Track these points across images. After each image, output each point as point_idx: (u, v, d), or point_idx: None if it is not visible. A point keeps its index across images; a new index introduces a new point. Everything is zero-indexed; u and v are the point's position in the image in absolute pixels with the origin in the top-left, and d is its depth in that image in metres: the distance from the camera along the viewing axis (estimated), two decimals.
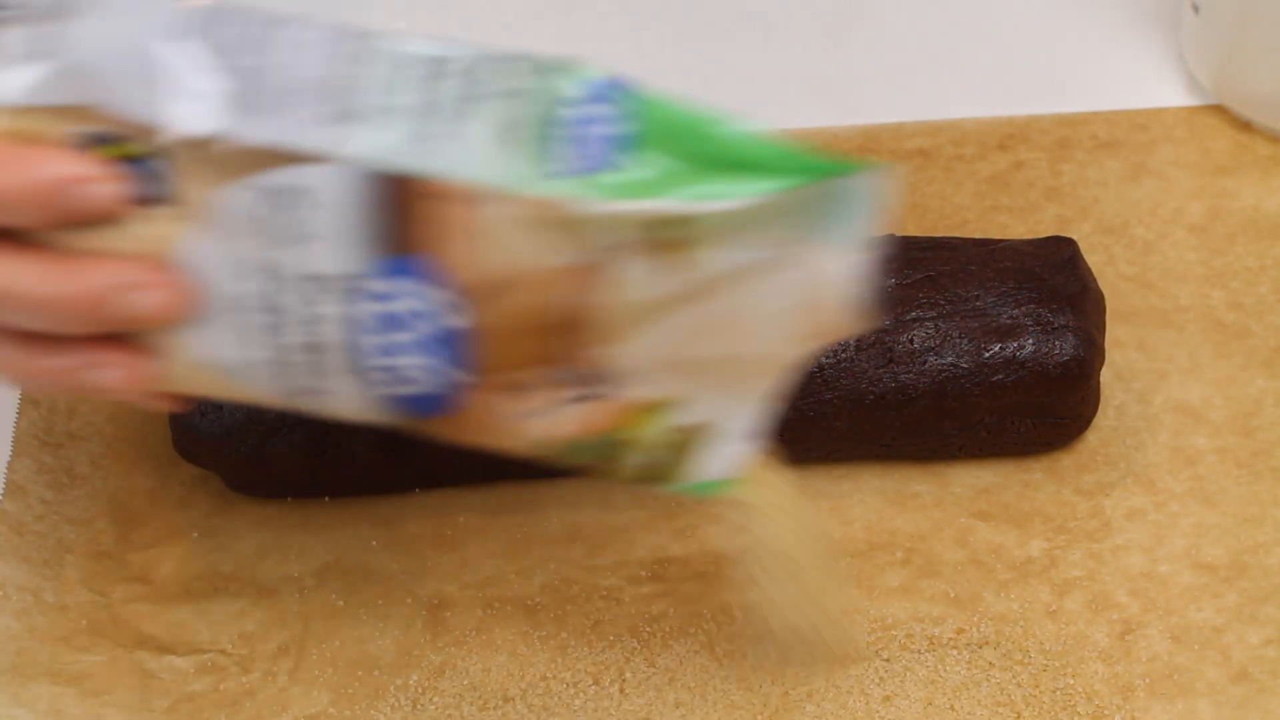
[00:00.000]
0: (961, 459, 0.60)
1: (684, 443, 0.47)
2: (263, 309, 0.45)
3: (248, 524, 0.60)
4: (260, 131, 0.43)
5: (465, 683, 0.56)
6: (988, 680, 0.55)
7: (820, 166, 0.42)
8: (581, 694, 0.55)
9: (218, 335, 0.46)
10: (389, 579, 0.58)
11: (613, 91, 0.44)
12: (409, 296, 0.44)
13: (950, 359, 0.58)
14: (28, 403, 0.62)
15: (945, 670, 0.55)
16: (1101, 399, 0.60)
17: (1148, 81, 0.72)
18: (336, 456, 0.58)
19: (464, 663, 0.56)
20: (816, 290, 0.44)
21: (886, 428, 0.58)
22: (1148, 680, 0.55)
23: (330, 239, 0.44)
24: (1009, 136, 0.69)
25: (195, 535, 0.59)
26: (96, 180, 0.44)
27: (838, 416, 0.58)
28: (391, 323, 0.45)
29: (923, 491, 0.59)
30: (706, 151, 0.43)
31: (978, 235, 0.65)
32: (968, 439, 0.59)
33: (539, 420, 0.46)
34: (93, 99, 0.44)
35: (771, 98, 0.73)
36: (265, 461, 0.58)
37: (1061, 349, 0.57)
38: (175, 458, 0.60)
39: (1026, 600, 0.57)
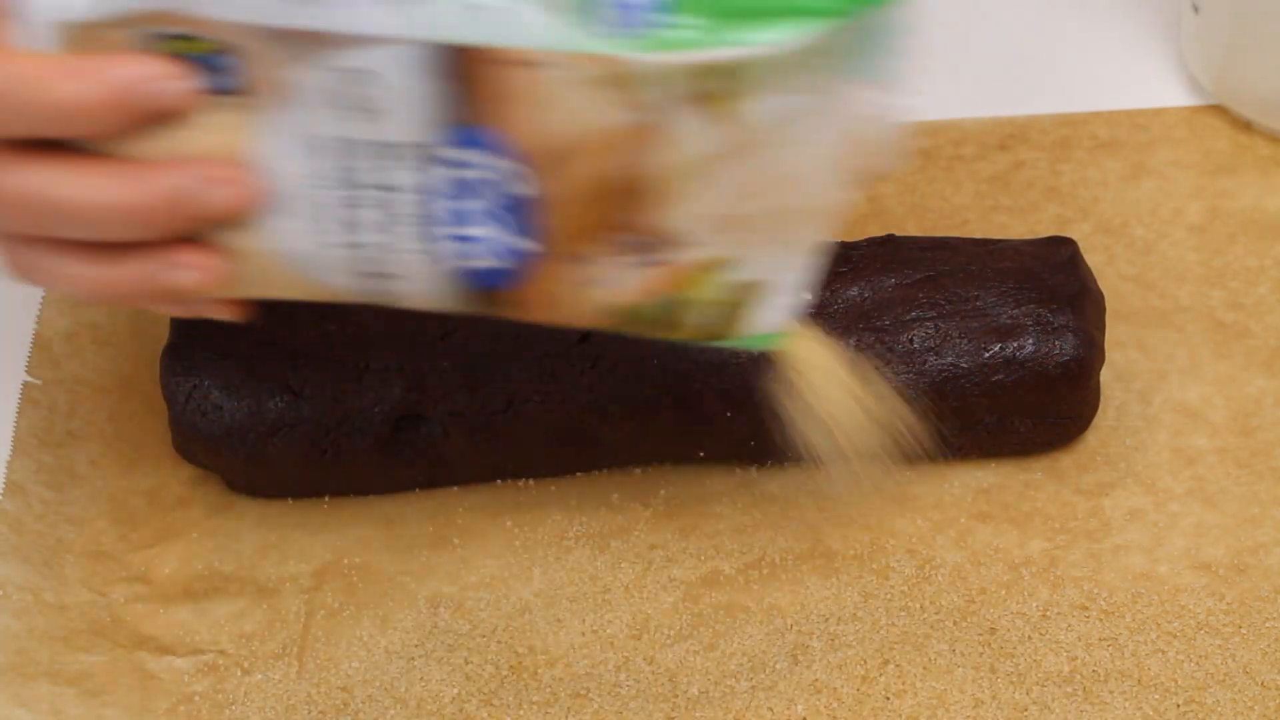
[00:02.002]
0: (961, 459, 0.60)
1: (739, 299, 0.49)
2: (337, 185, 0.47)
3: (248, 524, 0.60)
4: (320, 19, 0.45)
5: None
6: (990, 680, 0.55)
7: (849, 3, 0.45)
8: None
9: (291, 224, 0.48)
10: (389, 579, 0.58)
11: None
12: (478, 166, 0.46)
13: (950, 359, 0.58)
14: (28, 402, 0.62)
15: (946, 669, 0.55)
16: (1101, 399, 0.60)
17: (1148, 81, 0.72)
18: (336, 456, 0.58)
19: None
20: (858, 129, 0.46)
21: None
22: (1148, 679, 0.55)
23: (400, 113, 0.46)
24: (1009, 136, 0.69)
25: (195, 535, 0.59)
26: (167, 77, 0.45)
27: None
28: (464, 189, 0.47)
29: (923, 492, 0.59)
30: (740, 5, 0.45)
31: (978, 235, 0.65)
32: (968, 439, 0.59)
33: (602, 289, 0.48)
34: (159, 4, 0.45)
35: None
36: (265, 461, 0.58)
37: (1061, 349, 0.57)
38: (175, 458, 0.60)
39: (1026, 600, 0.57)
